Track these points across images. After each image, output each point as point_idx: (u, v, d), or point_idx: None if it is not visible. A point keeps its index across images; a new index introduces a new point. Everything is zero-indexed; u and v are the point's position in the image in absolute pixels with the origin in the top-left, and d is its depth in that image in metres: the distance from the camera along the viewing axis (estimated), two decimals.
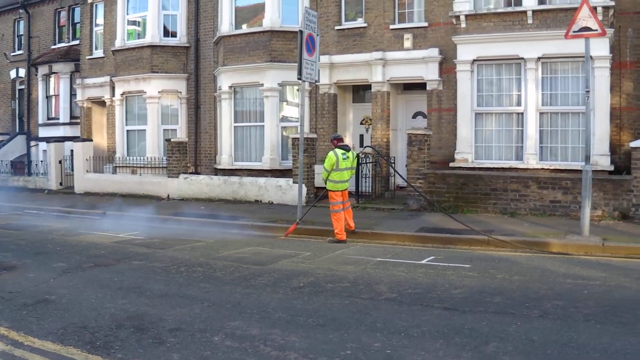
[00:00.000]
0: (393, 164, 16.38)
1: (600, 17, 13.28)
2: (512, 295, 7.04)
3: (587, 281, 7.82)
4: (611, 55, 14.14)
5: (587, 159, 11.09)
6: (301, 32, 12.67)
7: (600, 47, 13.68)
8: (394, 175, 16.07)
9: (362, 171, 15.61)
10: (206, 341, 5.51)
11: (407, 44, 16.52)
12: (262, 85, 18.22)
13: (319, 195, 13.97)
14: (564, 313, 6.30)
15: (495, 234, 10.92)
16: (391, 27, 16.65)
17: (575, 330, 5.71)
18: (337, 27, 17.64)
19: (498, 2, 15.22)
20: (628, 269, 8.75)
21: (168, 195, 18.35)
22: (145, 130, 20.96)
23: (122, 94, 21.52)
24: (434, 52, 16.00)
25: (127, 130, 21.80)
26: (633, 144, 13.05)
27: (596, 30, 10.79)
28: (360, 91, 18.20)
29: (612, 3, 13.86)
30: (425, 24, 16.37)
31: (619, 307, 6.54)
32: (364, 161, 15.74)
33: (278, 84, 18.13)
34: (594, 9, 12.14)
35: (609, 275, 8.27)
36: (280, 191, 16.60)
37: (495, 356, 5.06)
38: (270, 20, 18.03)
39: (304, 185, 14.23)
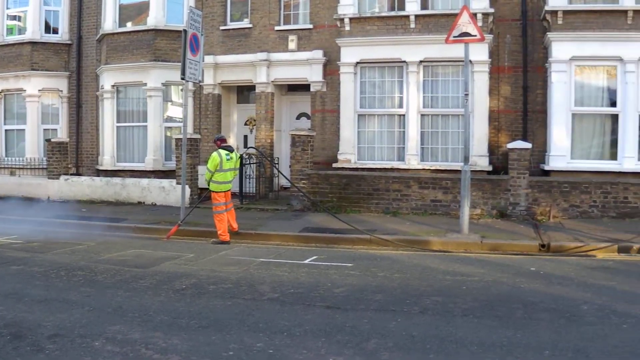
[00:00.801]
0: (277, 165, 16.17)
1: (480, 24, 13.73)
2: (393, 293, 7.12)
3: (465, 277, 8.00)
4: (490, 60, 14.61)
5: (466, 159, 11.28)
6: (185, 31, 12.30)
7: (480, 52, 14.06)
8: (278, 176, 15.89)
9: (246, 172, 15.30)
10: (86, 347, 5.26)
11: (292, 45, 16.42)
12: (145, 84, 17.56)
13: (202, 196, 13.45)
14: (443, 309, 6.44)
15: (378, 233, 10.98)
16: (276, 28, 16.58)
17: (453, 325, 5.84)
18: (222, 27, 17.28)
19: (382, 6, 15.42)
20: (505, 265, 9.00)
21: (48, 197, 17.23)
22: (24, 130, 19.61)
23: (0, 92, 20.06)
24: (318, 54, 16.01)
25: (6, 130, 20.31)
26: (510, 145, 13.43)
27: (475, 35, 11.05)
28: (244, 92, 18.04)
29: (492, 10, 14.36)
30: (311, 26, 16.37)
31: (496, 302, 6.75)
32: (248, 162, 15.45)
33: (162, 83, 17.52)
34: (474, 16, 12.46)
35: (487, 271, 8.48)
36: (163, 192, 15.94)
37: (376, 352, 5.09)
38: (155, 18, 17.43)
39: (187, 186, 13.85)
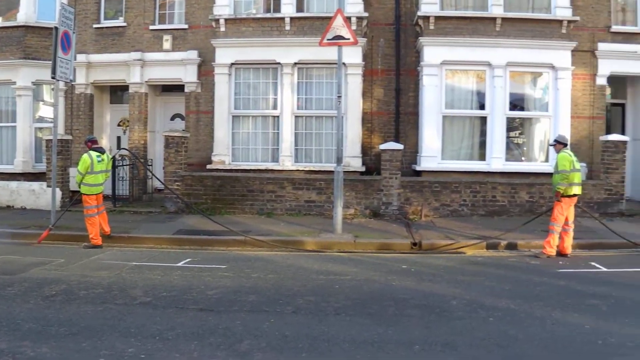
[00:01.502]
0: (150, 167, 15.61)
1: (354, 27, 13.83)
2: (267, 294, 7.19)
3: (338, 277, 8.17)
4: (364, 63, 14.77)
5: (338, 160, 11.30)
6: (56, 28, 11.67)
7: (354, 55, 14.21)
8: (152, 177, 15.30)
9: (118, 174, 14.63)
10: None
11: (167, 45, 15.95)
12: (14, 83, 16.49)
13: (73, 200, 12.72)
14: (316, 308, 6.56)
15: (252, 234, 10.96)
16: (151, 27, 16.06)
17: (326, 324, 5.97)
18: (95, 26, 16.49)
19: (258, 8, 15.30)
20: (377, 264, 9.21)
21: None
22: None
23: None
24: (193, 54, 15.67)
25: None
26: (383, 147, 13.59)
27: (349, 39, 11.13)
28: (118, 92, 17.31)
29: (366, 14, 14.54)
30: (186, 26, 15.96)
31: (368, 300, 6.95)
32: (121, 164, 14.79)
33: (32, 82, 16.50)
34: (348, 19, 12.53)
35: (360, 270, 8.69)
36: (33, 195, 14.97)
37: (249, 353, 5.13)
38: (26, 14, 16.45)
39: (58, 189, 13.13)
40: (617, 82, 16.34)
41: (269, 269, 8.66)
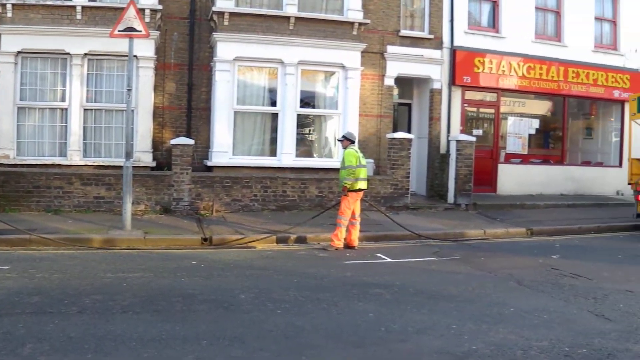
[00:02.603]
0: None
1: (147, 19, 15.53)
2: (51, 294, 7.57)
3: (127, 274, 8.93)
4: (156, 56, 16.54)
5: (128, 155, 12.77)
6: None
7: (146, 48, 15.94)
8: None
9: None
10: None
11: None
12: None
13: None
14: (102, 307, 7.07)
15: (39, 232, 11.61)
16: None
17: (113, 323, 6.47)
18: None
19: None
20: (167, 260, 10.30)
21: None
22: None
23: None
24: None
25: None
26: (174, 142, 15.51)
27: (141, 31, 12.62)
28: None
29: (160, 7, 16.27)
30: None
31: (156, 297, 7.63)
32: None
33: None
34: (141, 11, 14.33)
35: (149, 266, 9.61)
36: None
37: (32, 357, 5.42)
38: None
39: None
40: (404, 83, 19.78)
41: (54, 268, 9.12)
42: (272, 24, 16.91)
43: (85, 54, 15.86)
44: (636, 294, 8.73)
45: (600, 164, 23.41)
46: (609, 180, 22.61)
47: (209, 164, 16.42)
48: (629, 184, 17.10)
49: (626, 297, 8.59)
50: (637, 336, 6.76)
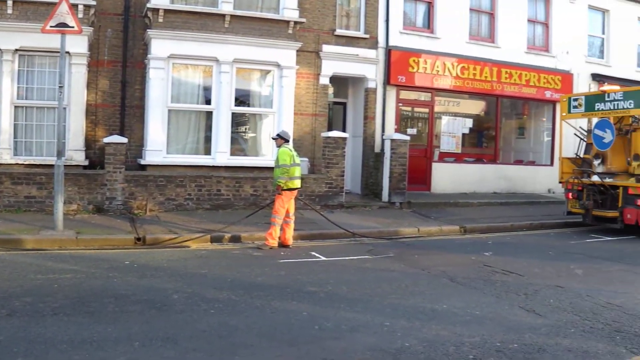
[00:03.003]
0: None
1: (80, 15, 15.67)
2: None
3: (58, 275, 8.97)
4: (89, 53, 16.67)
5: (59, 153, 12.81)
6: None
7: (79, 45, 16.02)
8: None
9: None
10: None
11: None
12: None
13: None
14: (33, 309, 7.10)
15: None
16: None
17: (43, 325, 6.50)
18: None
19: None
20: (100, 260, 10.40)
21: None
22: None
23: None
24: None
25: None
26: (107, 140, 15.72)
27: (73, 27, 12.71)
28: None
29: (94, 2, 16.32)
30: None
31: (88, 298, 7.72)
32: None
33: None
34: (75, 7, 14.50)
35: (81, 267, 9.67)
36: None
37: None
38: None
39: None
40: (340, 82, 20.38)
41: None
42: (208, 22, 17.24)
43: (16, 50, 15.80)
44: (566, 290, 9.26)
45: (532, 163, 24.52)
46: (541, 179, 23.74)
47: (143, 162, 16.59)
48: (560, 182, 18.10)
49: (556, 292, 9.09)
50: (567, 330, 7.17)
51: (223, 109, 17.31)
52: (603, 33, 26.21)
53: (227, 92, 17.36)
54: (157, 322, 6.84)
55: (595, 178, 16.50)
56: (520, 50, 23.29)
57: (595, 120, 17.41)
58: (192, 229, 13.30)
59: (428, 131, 21.76)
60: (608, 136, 16.30)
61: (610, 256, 12.69)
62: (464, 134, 22.70)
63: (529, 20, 23.82)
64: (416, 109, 22.11)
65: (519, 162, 24.47)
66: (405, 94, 21.34)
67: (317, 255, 11.70)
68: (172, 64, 17.07)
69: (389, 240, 14.02)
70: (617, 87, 17.48)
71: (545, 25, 24.37)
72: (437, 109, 21.99)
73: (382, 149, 19.17)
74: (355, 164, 20.61)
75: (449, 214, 17.81)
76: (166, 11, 16.80)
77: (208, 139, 17.47)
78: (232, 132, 17.59)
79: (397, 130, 20.40)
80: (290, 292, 8.51)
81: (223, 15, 17.29)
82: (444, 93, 22.11)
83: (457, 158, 22.45)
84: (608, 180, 16.32)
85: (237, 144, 18.05)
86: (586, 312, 8.00)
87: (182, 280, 9.04)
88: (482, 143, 24.06)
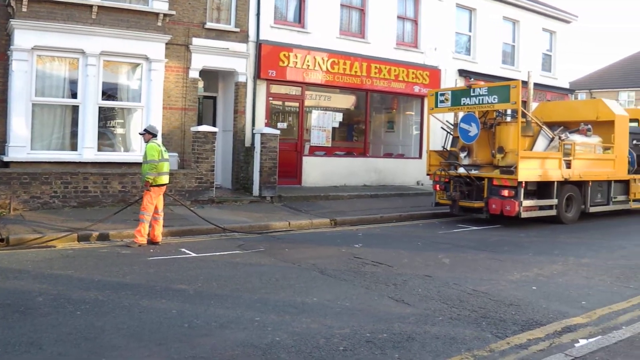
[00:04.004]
0: None
1: None
2: None
3: None
4: None
5: None
6: None
7: None
8: None
9: None
10: None
11: None
12: None
13: None
14: None
15: None
16: None
17: None
18: None
19: None
20: None
21: None
22: None
23: None
24: None
25: None
26: None
27: None
28: None
29: None
30: None
31: None
32: None
33: None
34: None
35: None
36: None
37: None
38: None
39: None
40: (210, 76, 21.30)
41: None
42: (74, 13, 17.53)
43: None
44: (434, 279, 9.98)
45: (401, 156, 26.42)
46: (410, 171, 25.67)
47: (6, 159, 16.62)
48: (427, 174, 19.69)
49: (425, 281, 9.75)
50: (435, 318, 7.67)
51: (89, 103, 17.69)
52: (470, 31, 28.53)
53: (94, 86, 17.75)
54: (21, 327, 6.82)
55: (461, 170, 18.05)
56: (390, 46, 25.06)
57: (461, 114, 18.89)
58: (58, 228, 13.41)
59: (298, 125, 23.03)
60: (473, 130, 17.83)
61: (477, 245, 13.81)
62: (334, 128, 24.14)
63: (398, 17, 25.71)
64: (287, 103, 23.30)
65: (388, 155, 26.28)
66: (276, 88, 22.51)
67: (187, 251, 12.01)
68: (36, 55, 17.25)
69: (260, 234, 14.60)
70: (482, 83, 19.29)
71: (415, 22, 26.29)
72: (307, 103, 23.33)
73: (253, 143, 20.17)
74: (225, 159, 21.57)
75: (320, 207, 18.89)
76: (30, 0, 16.90)
77: (75, 134, 17.80)
78: (100, 127, 18.04)
79: (267, 125, 21.50)
80: (160, 290, 8.68)
81: (90, 6, 17.61)
82: (315, 87, 23.47)
83: (328, 152, 23.85)
84: (474, 172, 17.86)
85: (105, 139, 18.51)
86: (453, 300, 8.64)
87: (47, 281, 9.11)
88: (352, 137, 25.64)
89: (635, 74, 55.67)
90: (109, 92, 18.40)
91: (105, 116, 18.43)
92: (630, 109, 27.13)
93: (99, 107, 18.00)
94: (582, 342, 6.96)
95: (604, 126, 19.63)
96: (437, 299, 8.69)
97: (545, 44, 32.96)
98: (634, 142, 20.83)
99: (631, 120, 21.11)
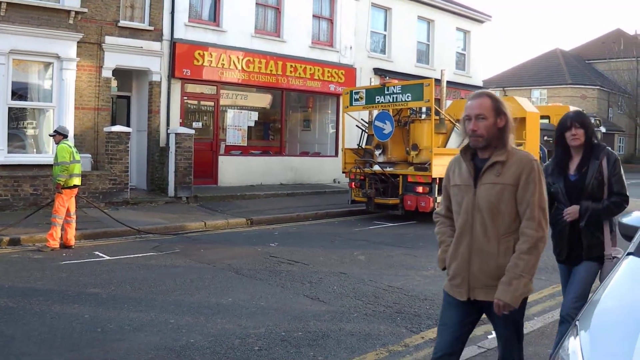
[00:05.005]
0: None
1: None
2: None
3: None
4: None
5: None
6: None
7: None
8: None
9: None
10: None
11: None
12: None
13: None
14: None
15: None
16: None
17: None
18: None
19: None
20: None
21: None
22: None
23: None
24: None
25: None
26: None
27: None
28: None
29: None
30: None
31: None
32: None
33: None
34: None
35: None
36: None
37: None
38: None
39: None
40: (124, 75, 21.50)
41: None
42: None
43: None
44: (349, 276, 10.27)
45: (317, 154, 27.19)
46: (326, 170, 26.44)
47: None
48: (343, 172, 20.28)
49: (340, 279, 10.04)
50: (350, 315, 7.92)
51: None
52: (385, 30, 29.55)
53: (3, 85, 17.63)
54: None
55: (376, 167, 18.66)
56: (306, 45, 25.80)
57: (375, 112, 19.57)
58: None
59: (214, 125, 23.48)
60: (388, 127, 18.52)
61: (392, 241, 14.22)
62: (250, 127, 24.69)
63: (314, 16, 26.45)
64: (202, 103, 23.78)
65: (304, 153, 27.03)
66: (191, 88, 22.92)
67: (100, 254, 12.03)
68: None
69: (175, 235, 14.77)
70: (396, 81, 20.16)
71: (330, 21, 27.10)
72: (223, 102, 23.83)
73: (167, 143, 20.49)
74: (140, 159, 21.80)
75: (236, 206, 19.33)
76: None
77: None
78: (10, 128, 18.01)
79: (182, 124, 21.85)
80: (72, 295, 8.66)
81: None
82: (230, 86, 23.99)
83: (244, 151, 24.41)
84: (389, 169, 18.56)
85: (16, 141, 18.45)
86: (368, 297, 8.90)
87: None
88: (268, 136, 26.31)
89: (546, 72, 58.39)
90: (20, 92, 18.36)
91: (16, 117, 18.42)
92: (542, 106, 28.58)
93: (9, 108, 17.94)
94: (495, 333, 7.70)
95: (516, 123, 20.64)
96: (353, 296, 8.98)
97: (460, 43, 34.37)
98: (545, 137, 21.96)
99: (542, 117, 22.32)
